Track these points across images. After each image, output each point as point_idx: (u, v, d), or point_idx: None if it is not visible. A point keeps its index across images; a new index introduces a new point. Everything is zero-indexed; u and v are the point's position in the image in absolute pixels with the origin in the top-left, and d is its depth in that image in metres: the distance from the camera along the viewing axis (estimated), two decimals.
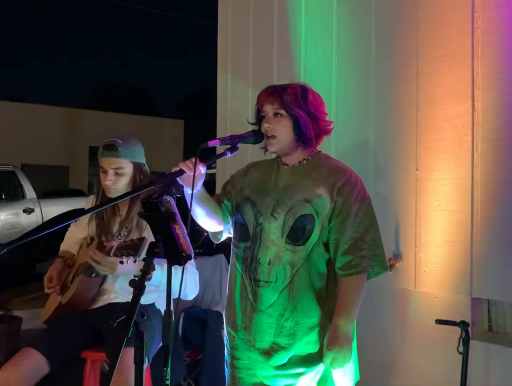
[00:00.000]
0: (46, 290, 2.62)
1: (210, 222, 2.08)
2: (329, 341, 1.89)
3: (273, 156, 2.13)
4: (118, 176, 2.58)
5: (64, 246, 2.82)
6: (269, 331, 1.96)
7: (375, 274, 2.00)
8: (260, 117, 2.05)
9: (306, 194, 1.97)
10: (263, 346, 1.97)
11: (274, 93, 2.00)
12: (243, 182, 2.13)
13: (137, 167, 2.63)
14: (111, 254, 2.20)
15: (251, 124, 2.09)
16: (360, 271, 1.93)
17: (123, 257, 2.17)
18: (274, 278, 1.96)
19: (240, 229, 2.07)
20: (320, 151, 2.10)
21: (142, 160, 2.66)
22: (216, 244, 2.25)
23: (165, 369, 1.66)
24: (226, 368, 2.12)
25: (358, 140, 3.12)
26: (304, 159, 2.05)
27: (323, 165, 2.04)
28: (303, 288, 1.95)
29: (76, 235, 2.78)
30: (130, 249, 2.20)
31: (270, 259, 1.97)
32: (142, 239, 2.21)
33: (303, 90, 2.01)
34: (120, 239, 2.53)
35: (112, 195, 2.58)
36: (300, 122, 1.97)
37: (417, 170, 2.79)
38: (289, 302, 1.94)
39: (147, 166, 2.69)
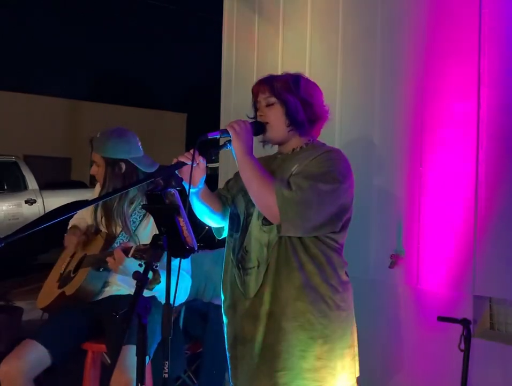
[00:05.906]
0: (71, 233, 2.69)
1: (213, 218, 2.08)
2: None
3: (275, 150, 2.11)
4: (98, 169, 2.62)
5: (73, 222, 2.85)
6: (258, 317, 1.93)
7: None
8: (256, 109, 2.04)
9: (282, 174, 1.94)
10: (253, 333, 1.94)
11: (265, 82, 2.01)
12: None
13: (109, 163, 2.58)
14: (129, 256, 2.19)
15: (251, 118, 2.08)
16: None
17: (142, 260, 2.16)
18: (256, 263, 1.95)
19: (233, 219, 2.07)
20: (316, 140, 2.07)
21: (117, 155, 2.57)
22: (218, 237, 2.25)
23: (165, 362, 1.66)
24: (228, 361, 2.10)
25: (362, 135, 3.11)
26: (299, 147, 2.03)
27: (313, 151, 2.00)
28: (280, 265, 1.91)
29: (84, 217, 2.81)
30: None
31: (252, 246, 1.96)
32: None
33: (296, 77, 2.01)
34: (127, 237, 2.54)
35: (100, 187, 2.63)
36: (290, 106, 1.95)
37: (421, 167, 2.78)
38: (269, 281, 1.91)
39: (131, 163, 2.57)
